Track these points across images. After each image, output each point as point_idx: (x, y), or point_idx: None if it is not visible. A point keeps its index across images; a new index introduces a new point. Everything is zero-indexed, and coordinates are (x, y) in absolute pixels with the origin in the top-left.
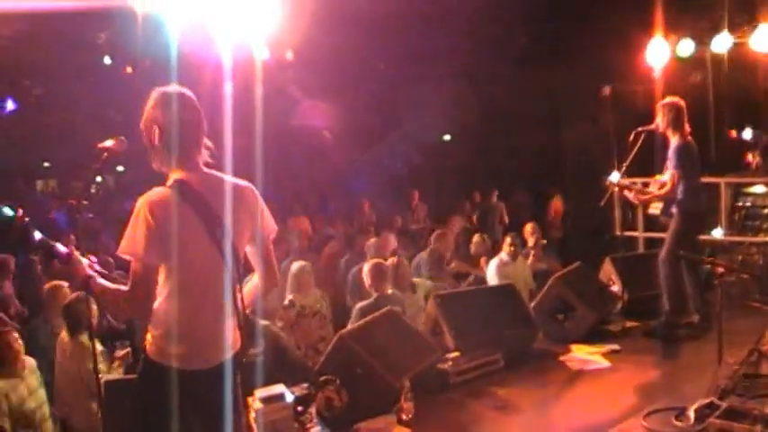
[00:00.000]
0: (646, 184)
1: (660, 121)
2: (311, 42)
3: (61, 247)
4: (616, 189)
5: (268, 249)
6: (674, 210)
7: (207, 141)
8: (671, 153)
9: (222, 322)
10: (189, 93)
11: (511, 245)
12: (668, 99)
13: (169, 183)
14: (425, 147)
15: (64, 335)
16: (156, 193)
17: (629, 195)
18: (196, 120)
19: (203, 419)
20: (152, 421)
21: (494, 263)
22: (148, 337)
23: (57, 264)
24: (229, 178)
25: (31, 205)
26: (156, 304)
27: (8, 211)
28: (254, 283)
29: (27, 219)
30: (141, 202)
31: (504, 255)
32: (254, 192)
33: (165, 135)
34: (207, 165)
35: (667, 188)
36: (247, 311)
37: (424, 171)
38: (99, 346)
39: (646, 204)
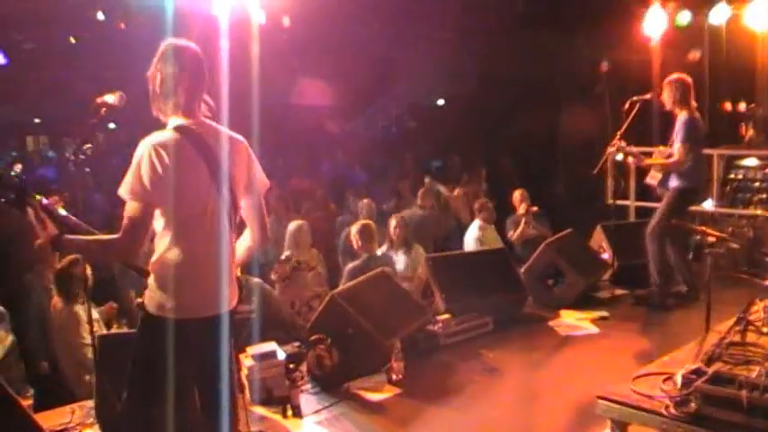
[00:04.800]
0: (645, 154)
1: (666, 98)
2: (306, 1)
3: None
4: (618, 154)
5: (261, 203)
6: (673, 183)
7: (207, 98)
8: (679, 126)
9: (223, 269)
10: (195, 47)
11: (482, 210)
12: (675, 76)
13: (170, 127)
14: (419, 110)
15: (56, 301)
16: (159, 135)
17: (630, 160)
18: (198, 73)
19: (202, 370)
20: (152, 375)
21: (472, 229)
22: (148, 291)
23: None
24: (225, 130)
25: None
26: (156, 256)
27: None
28: (244, 241)
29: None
30: (146, 144)
31: (479, 220)
32: (247, 145)
33: (165, 83)
34: (205, 116)
35: (674, 159)
36: (237, 269)
37: (416, 135)
38: (94, 314)
39: (644, 173)
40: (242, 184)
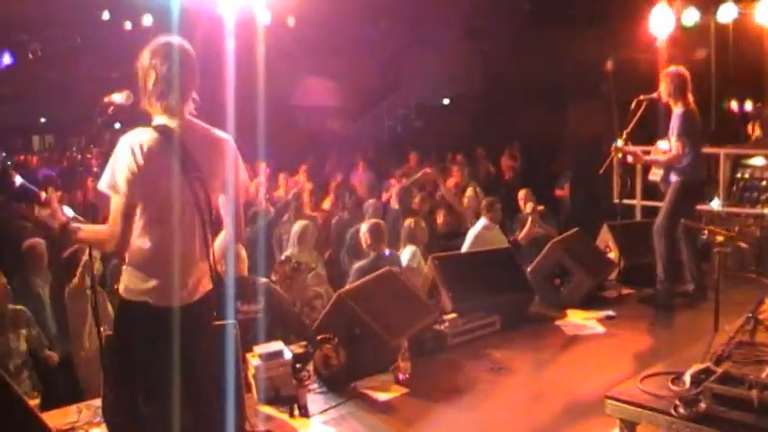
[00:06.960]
0: (647, 152)
1: (663, 90)
2: (314, 2)
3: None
4: (620, 154)
5: (238, 201)
6: (673, 178)
7: (194, 95)
8: (675, 120)
9: (192, 263)
10: (187, 45)
11: (490, 209)
12: (672, 68)
13: (153, 124)
14: (425, 110)
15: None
16: (139, 132)
17: (630, 159)
18: (190, 72)
19: (174, 357)
20: (131, 359)
21: (476, 227)
22: (122, 278)
23: (36, 210)
24: (210, 128)
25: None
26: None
27: None
28: (221, 237)
29: (9, 162)
30: (124, 140)
31: (485, 219)
32: (231, 144)
33: (159, 82)
34: (191, 114)
35: (673, 154)
36: (217, 266)
37: (422, 134)
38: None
39: (647, 170)
40: (218, 184)
